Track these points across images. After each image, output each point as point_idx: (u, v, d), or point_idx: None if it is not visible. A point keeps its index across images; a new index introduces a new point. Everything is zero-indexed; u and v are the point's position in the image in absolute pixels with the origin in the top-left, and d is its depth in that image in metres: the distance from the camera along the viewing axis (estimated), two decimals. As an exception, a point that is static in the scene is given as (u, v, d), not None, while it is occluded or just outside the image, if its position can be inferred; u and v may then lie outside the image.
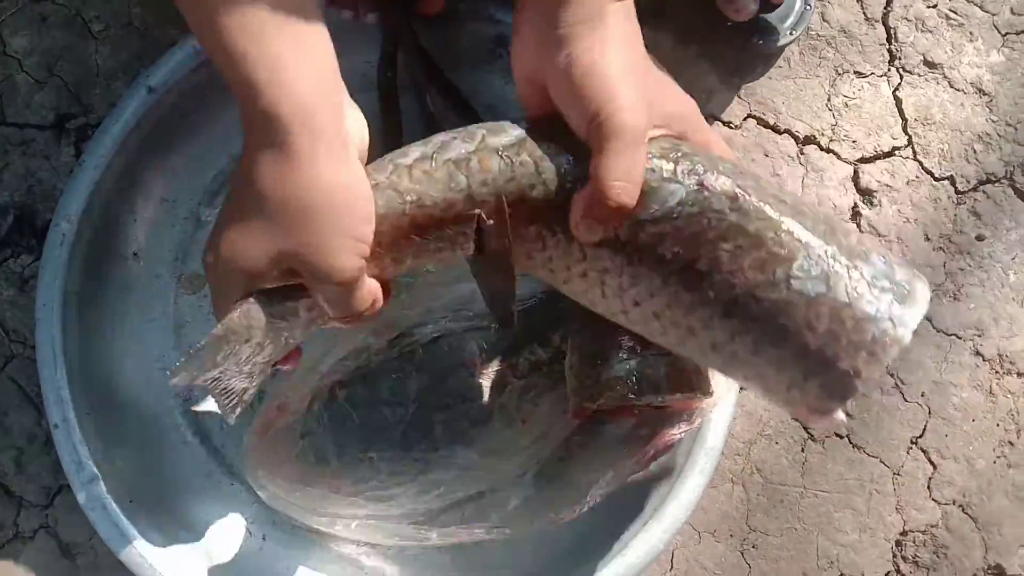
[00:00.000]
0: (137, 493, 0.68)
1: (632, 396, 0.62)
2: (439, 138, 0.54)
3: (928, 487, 0.80)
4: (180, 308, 0.74)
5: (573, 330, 0.67)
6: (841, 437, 0.80)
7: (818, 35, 0.85)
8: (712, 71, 0.83)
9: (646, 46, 0.54)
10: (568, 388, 0.67)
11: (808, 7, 0.82)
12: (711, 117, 0.83)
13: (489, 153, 0.52)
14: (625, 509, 0.70)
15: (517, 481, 0.69)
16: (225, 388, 0.55)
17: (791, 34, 0.82)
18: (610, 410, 0.65)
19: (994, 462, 0.81)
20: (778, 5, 0.80)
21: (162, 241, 0.74)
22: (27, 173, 0.78)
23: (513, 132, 0.53)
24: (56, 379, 0.67)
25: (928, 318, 0.82)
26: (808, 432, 0.80)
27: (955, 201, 0.84)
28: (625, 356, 0.63)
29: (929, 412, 0.81)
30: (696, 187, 0.51)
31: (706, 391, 0.64)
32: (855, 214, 0.83)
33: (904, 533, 0.79)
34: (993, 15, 0.86)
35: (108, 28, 0.80)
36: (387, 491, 0.67)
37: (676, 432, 0.67)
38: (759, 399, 0.80)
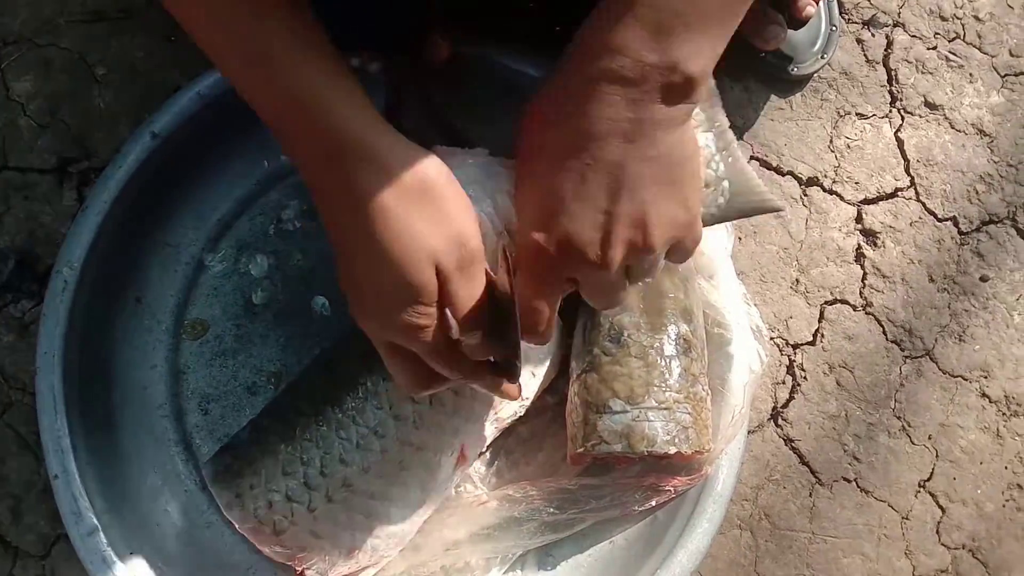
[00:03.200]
0: (137, 544, 0.67)
1: (625, 450, 0.62)
2: None
3: (937, 531, 0.79)
4: (182, 354, 0.73)
5: (576, 375, 0.67)
6: (849, 481, 0.79)
7: (820, 77, 0.85)
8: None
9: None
10: (568, 434, 0.67)
11: (834, 28, 0.83)
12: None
13: None
14: (634, 557, 0.69)
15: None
16: None
17: (822, 58, 0.83)
18: (611, 457, 0.65)
19: (1003, 505, 0.80)
20: (804, 22, 0.80)
21: (165, 286, 0.73)
22: (29, 218, 0.77)
23: None
24: (56, 428, 0.66)
25: (934, 360, 0.82)
26: (816, 476, 0.79)
27: (958, 242, 0.84)
28: (620, 408, 0.63)
29: (936, 455, 0.80)
30: None
31: (705, 447, 0.64)
32: (859, 255, 0.83)
33: (914, 579, 0.79)
34: (992, 57, 0.87)
35: (112, 72, 0.80)
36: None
37: (681, 481, 0.66)
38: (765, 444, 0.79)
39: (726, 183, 0.55)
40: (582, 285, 0.51)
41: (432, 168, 0.48)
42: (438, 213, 0.47)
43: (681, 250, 0.51)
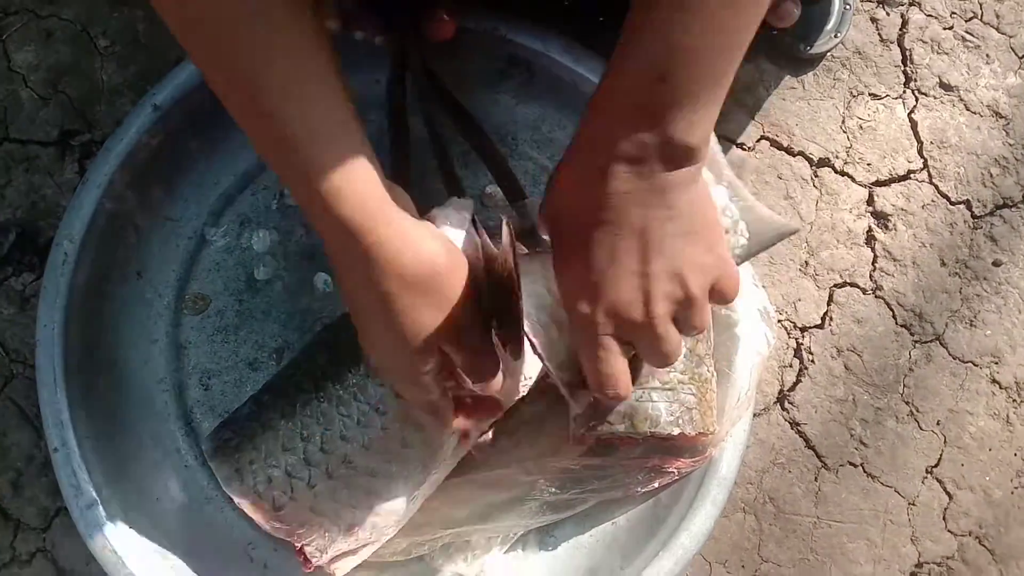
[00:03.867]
0: (136, 518, 0.66)
1: (629, 430, 0.61)
2: None
3: (944, 518, 0.78)
4: (183, 329, 0.72)
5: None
6: (855, 466, 0.78)
7: (832, 56, 0.84)
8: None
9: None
10: (570, 413, 0.66)
11: (847, 7, 0.81)
12: (724, 138, 0.82)
13: None
14: (636, 539, 0.69)
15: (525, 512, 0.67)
16: None
17: (836, 36, 0.81)
18: (614, 438, 0.64)
19: (1011, 492, 0.79)
20: (818, 0, 0.79)
21: (166, 261, 0.73)
22: (30, 190, 0.77)
23: None
24: (56, 401, 0.66)
25: (944, 344, 0.81)
26: (822, 460, 0.78)
27: (971, 226, 0.82)
28: None
29: (945, 441, 0.79)
30: None
31: (709, 429, 0.63)
32: (870, 238, 0.82)
33: (919, 565, 0.78)
34: (1010, 37, 0.85)
35: (114, 44, 0.79)
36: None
37: (685, 463, 0.66)
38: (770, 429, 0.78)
39: (742, 224, 0.59)
40: (638, 347, 0.53)
41: (439, 259, 0.51)
42: (444, 301, 0.51)
43: (721, 291, 0.53)
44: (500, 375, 0.56)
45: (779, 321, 0.80)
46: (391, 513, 0.64)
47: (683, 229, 0.50)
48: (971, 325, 0.81)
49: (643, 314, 0.50)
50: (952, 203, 0.83)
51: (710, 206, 0.53)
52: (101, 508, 0.65)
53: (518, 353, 0.55)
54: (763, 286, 0.69)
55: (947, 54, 0.85)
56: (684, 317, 0.52)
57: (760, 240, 0.60)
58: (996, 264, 0.82)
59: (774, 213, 0.61)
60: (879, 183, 0.83)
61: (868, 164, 0.83)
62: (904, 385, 0.80)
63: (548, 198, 0.53)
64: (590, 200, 0.49)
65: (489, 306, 0.55)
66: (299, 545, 0.63)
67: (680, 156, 0.48)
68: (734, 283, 0.53)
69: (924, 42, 0.85)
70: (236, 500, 0.62)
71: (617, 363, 0.52)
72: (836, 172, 0.83)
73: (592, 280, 0.50)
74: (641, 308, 0.50)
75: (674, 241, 0.50)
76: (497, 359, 0.55)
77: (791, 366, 0.80)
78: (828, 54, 0.83)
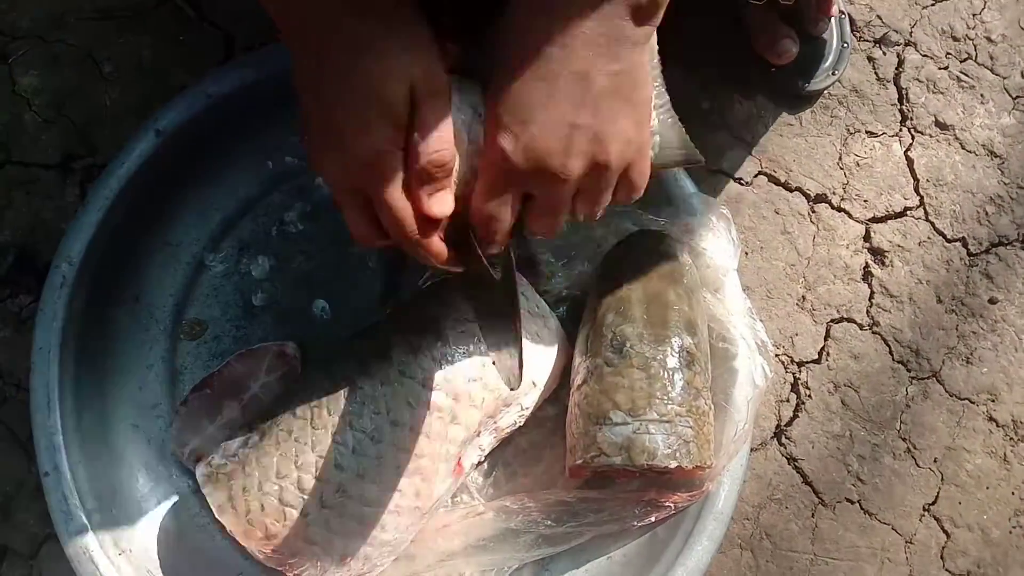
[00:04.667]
0: (127, 545, 0.66)
1: (625, 462, 0.61)
2: None
3: (942, 556, 0.78)
4: (179, 355, 0.72)
5: (576, 385, 0.66)
6: (852, 502, 0.78)
7: (829, 94, 0.85)
8: (723, 127, 0.83)
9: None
10: (567, 445, 0.66)
11: (845, 45, 0.82)
12: (722, 173, 0.83)
13: None
14: (632, 573, 0.68)
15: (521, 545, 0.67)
16: None
17: (833, 74, 0.82)
18: (611, 470, 0.63)
19: (1010, 532, 0.78)
20: (816, 38, 0.80)
21: (164, 285, 0.73)
22: (30, 212, 0.77)
23: None
24: (49, 425, 0.66)
25: (941, 381, 0.81)
26: (819, 496, 0.78)
27: (967, 263, 0.83)
28: (621, 420, 0.62)
29: (942, 478, 0.79)
30: None
31: (706, 462, 0.63)
32: (867, 274, 0.82)
33: (917, 604, 0.77)
34: (1004, 78, 0.87)
35: (119, 70, 0.79)
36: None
37: (682, 497, 0.65)
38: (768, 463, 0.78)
39: (658, 137, 0.58)
40: (535, 201, 0.52)
41: (415, 13, 0.50)
42: (418, 42, 0.49)
43: (631, 181, 0.53)
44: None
45: (776, 355, 0.80)
46: (384, 544, 0.63)
47: (622, 92, 0.50)
48: (967, 362, 0.81)
49: (559, 165, 0.50)
50: (948, 240, 0.83)
51: (648, 83, 0.53)
52: (91, 534, 0.64)
53: (517, 381, 0.54)
54: (760, 320, 0.69)
55: (942, 94, 0.86)
56: (590, 187, 0.52)
57: (668, 158, 0.59)
58: (992, 301, 0.82)
59: (689, 140, 0.59)
60: (876, 219, 0.83)
61: (865, 201, 0.83)
62: (901, 422, 0.80)
63: (502, 21, 0.52)
64: (544, 30, 0.49)
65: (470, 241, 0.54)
66: (290, 575, 0.62)
67: (644, 8, 0.48)
68: (645, 178, 0.54)
69: (920, 81, 0.86)
70: (228, 528, 0.62)
71: (509, 213, 0.52)
72: (833, 208, 0.83)
73: (520, 117, 0.49)
74: (559, 159, 0.50)
75: (610, 102, 0.50)
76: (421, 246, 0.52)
77: (788, 401, 0.80)
78: (825, 92, 0.84)
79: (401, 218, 0.51)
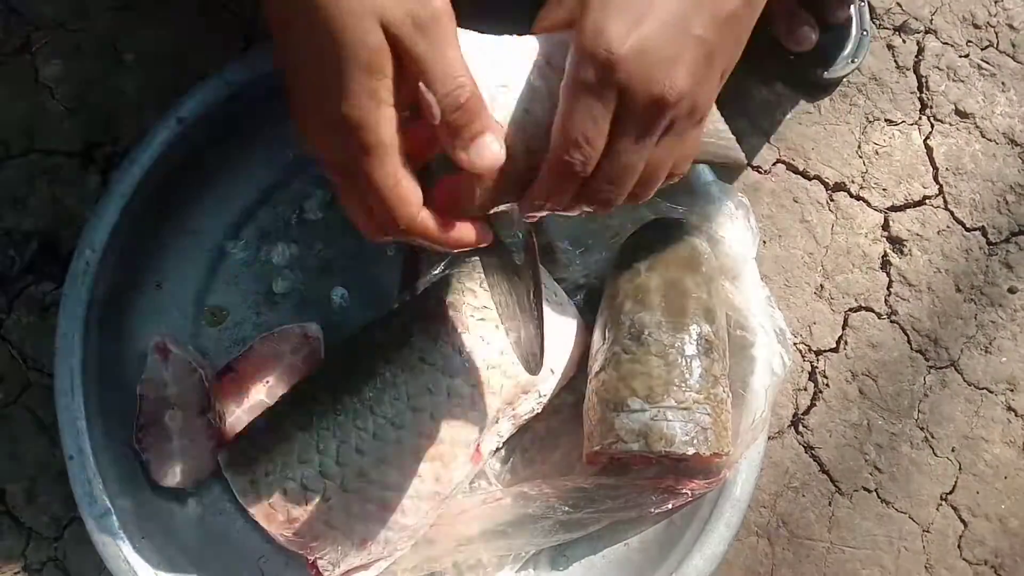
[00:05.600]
0: (149, 529, 0.66)
1: (643, 449, 0.61)
2: None
3: (959, 545, 0.78)
4: (201, 341, 0.73)
5: (594, 372, 0.66)
6: (869, 491, 0.78)
7: (849, 82, 0.84)
8: (742, 115, 0.83)
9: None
10: (585, 432, 0.66)
11: (864, 33, 0.82)
12: (740, 161, 0.83)
13: None
14: (649, 561, 0.68)
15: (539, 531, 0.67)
16: None
17: (852, 62, 0.82)
18: (628, 457, 0.64)
19: (1028, 522, 0.78)
20: (835, 25, 0.80)
21: (186, 272, 0.73)
22: (53, 200, 0.78)
23: None
24: (73, 409, 0.66)
25: (959, 371, 0.80)
26: (836, 485, 0.78)
27: (987, 252, 0.83)
28: (639, 407, 0.62)
29: (960, 468, 0.79)
30: None
31: (724, 449, 0.63)
32: (885, 263, 0.82)
33: (934, 593, 0.77)
34: (1026, 66, 0.86)
35: (140, 59, 0.80)
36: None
37: (699, 484, 0.66)
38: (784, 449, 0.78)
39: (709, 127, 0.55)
40: (615, 142, 0.44)
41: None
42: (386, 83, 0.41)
43: (676, 163, 0.47)
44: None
45: (794, 344, 0.80)
46: (404, 528, 0.64)
47: (741, 26, 0.44)
48: (986, 352, 0.81)
49: (666, 77, 0.41)
50: (968, 229, 0.83)
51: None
52: (115, 518, 0.65)
53: (537, 367, 0.54)
54: (778, 308, 0.69)
55: (963, 82, 0.85)
56: (674, 130, 0.44)
57: (711, 150, 0.56)
58: (1012, 291, 0.82)
59: (736, 143, 0.57)
60: (894, 208, 0.83)
61: (884, 189, 0.83)
62: (919, 411, 0.80)
63: None
64: None
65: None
66: (312, 559, 0.63)
67: None
68: (688, 164, 0.48)
69: (940, 69, 0.85)
70: (251, 511, 0.63)
71: (600, 129, 0.43)
72: (852, 196, 0.83)
73: (635, 11, 0.41)
74: (667, 68, 0.41)
75: (731, 29, 0.44)
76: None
77: (806, 389, 0.80)
78: (844, 80, 0.84)
79: (391, 203, 0.42)
